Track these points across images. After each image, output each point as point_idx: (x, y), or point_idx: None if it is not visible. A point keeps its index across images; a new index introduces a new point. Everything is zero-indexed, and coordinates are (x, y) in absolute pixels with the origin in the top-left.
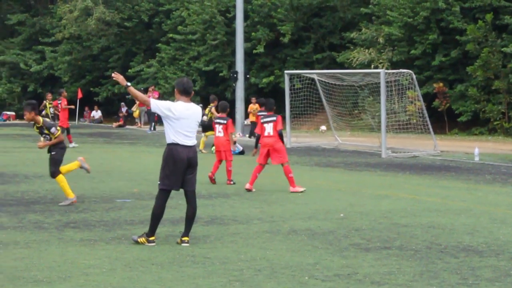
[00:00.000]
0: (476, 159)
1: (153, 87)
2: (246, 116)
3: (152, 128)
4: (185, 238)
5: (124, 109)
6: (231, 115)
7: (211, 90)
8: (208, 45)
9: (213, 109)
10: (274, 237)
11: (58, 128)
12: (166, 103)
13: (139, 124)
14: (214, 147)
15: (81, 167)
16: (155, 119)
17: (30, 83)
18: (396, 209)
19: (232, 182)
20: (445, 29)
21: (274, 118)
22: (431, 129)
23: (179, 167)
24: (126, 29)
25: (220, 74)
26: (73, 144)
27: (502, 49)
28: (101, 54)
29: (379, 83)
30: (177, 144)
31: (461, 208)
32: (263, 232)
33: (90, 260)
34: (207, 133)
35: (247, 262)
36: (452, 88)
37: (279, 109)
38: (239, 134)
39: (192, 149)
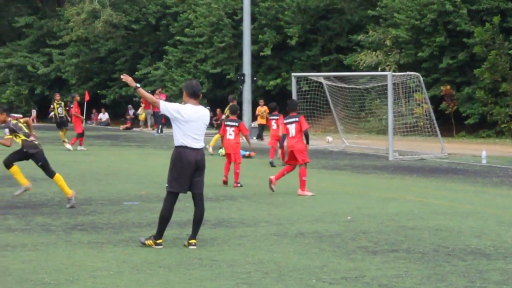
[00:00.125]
0: (484, 161)
1: (160, 89)
2: (254, 118)
3: (159, 131)
4: (193, 241)
5: (131, 112)
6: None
7: (218, 92)
8: (215, 47)
9: None
10: (281, 240)
11: (9, 136)
12: (176, 106)
13: (142, 127)
14: (222, 150)
15: (26, 188)
16: (163, 122)
17: (37, 86)
18: (403, 212)
19: (239, 185)
20: (452, 31)
21: (297, 119)
22: (438, 132)
23: (187, 169)
24: (133, 32)
25: (227, 77)
26: (81, 148)
27: (510, 52)
28: (109, 57)
29: (386, 85)
30: (186, 147)
31: (469, 211)
32: (271, 235)
33: (98, 263)
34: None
35: (255, 265)
36: (459, 90)
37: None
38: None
39: (200, 152)
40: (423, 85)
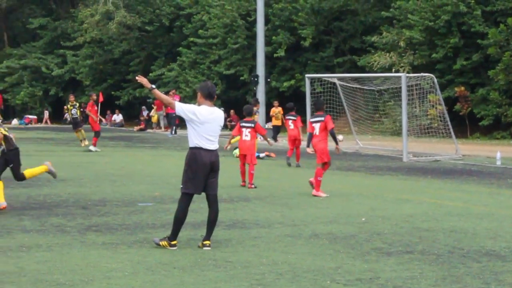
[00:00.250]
0: (498, 163)
1: (174, 90)
2: (268, 119)
3: (173, 132)
4: (207, 242)
5: (145, 113)
6: None
7: (232, 93)
8: (229, 48)
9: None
10: (295, 241)
11: None
12: (191, 107)
13: (156, 128)
14: (236, 151)
15: (49, 171)
16: (176, 123)
17: (51, 87)
18: (417, 214)
19: (253, 186)
20: (466, 32)
21: (322, 119)
22: (452, 133)
23: (202, 171)
24: (147, 33)
25: (241, 78)
26: (95, 148)
27: None
28: (122, 58)
29: (400, 87)
30: (200, 148)
31: (483, 212)
32: (285, 236)
33: (112, 264)
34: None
35: (269, 266)
36: (473, 92)
37: (300, 113)
38: (260, 139)
39: (214, 153)
40: (437, 87)
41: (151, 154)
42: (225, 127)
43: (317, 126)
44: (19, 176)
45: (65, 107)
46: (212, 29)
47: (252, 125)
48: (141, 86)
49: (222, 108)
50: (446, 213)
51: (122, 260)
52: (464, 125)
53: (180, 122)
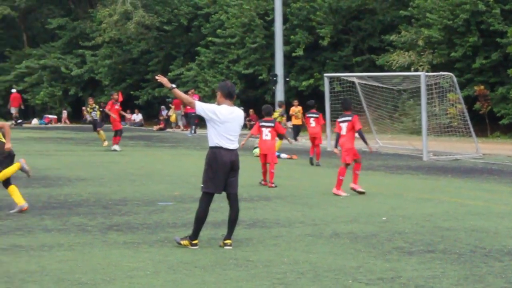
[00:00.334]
0: None
1: (193, 90)
2: (287, 119)
3: (192, 131)
4: (228, 241)
5: (164, 112)
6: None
7: (251, 93)
8: (247, 48)
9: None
10: (316, 240)
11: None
12: (211, 106)
13: (175, 128)
14: (256, 150)
15: (21, 169)
16: (196, 122)
17: (71, 87)
18: (438, 213)
19: (274, 185)
20: (485, 31)
21: (350, 118)
22: (472, 132)
23: (222, 170)
24: (165, 33)
25: (260, 77)
26: (116, 148)
27: None
28: (141, 58)
29: (419, 86)
30: (221, 148)
31: (505, 211)
32: (306, 235)
33: (134, 263)
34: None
35: (290, 265)
36: (493, 90)
37: (319, 112)
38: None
39: (234, 152)
40: (457, 85)
41: (171, 153)
42: (244, 126)
43: (344, 126)
44: None
45: (84, 109)
46: (230, 29)
47: (272, 124)
48: (160, 85)
49: (242, 108)
50: (467, 212)
51: (144, 259)
52: (484, 124)
53: (199, 122)
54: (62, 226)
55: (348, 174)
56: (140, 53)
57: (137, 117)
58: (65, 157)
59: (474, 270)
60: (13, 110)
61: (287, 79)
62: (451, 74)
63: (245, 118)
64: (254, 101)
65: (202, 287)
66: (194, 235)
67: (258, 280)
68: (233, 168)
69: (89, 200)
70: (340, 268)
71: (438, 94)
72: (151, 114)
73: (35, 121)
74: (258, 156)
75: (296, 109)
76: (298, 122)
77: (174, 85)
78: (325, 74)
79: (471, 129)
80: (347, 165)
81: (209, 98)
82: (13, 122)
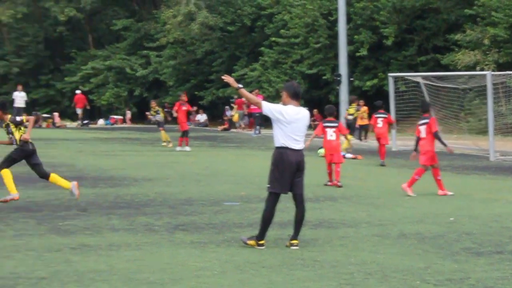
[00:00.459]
0: None
1: (257, 90)
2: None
3: (257, 132)
4: (294, 241)
5: (228, 113)
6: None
7: (315, 93)
8: (311, 48)
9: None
10: (383, 241)
11: (24, 117)
12: (278, 107)
13: (240, 128)
14: (321, 151)
15: (71, 191)
16: (260, 122)
17: (136, 88)
18: (506, 213)
19: (339, 184)
20: None
21: (427, 121)
22: None
23: (288, 170)
24: (229, 33)
25: (324, 77)
26: (183, 148)
27: None
28: (205, 58)
29: (485, 85)
30: (287, 148)
31: None
32: (372, 236)
33: (201, 263)
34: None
35: (357, 265)
36: None
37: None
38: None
39: (300, 152)
40: None
41: (235, 153)
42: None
43: (423, 129)
44: (42, 173)
45: (148, 114)
46: (294, 29)
47: (336, 124)
48: (225, 86)
49: (306, 108)
50: None
51: (210, 259)
52: None
53: (264, 122)
54: (129, 226)
55: (426, 179)
56: (204, 54)
57: (202, 117)
58: (131, 157)
59: None
60: (78, 111)
61: (351, 79)
62: None
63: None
64: (318, 101)
65: (269, 287)
66: (261, 235)
67: (325, 281)
68: (299, 168)
69: (156, 200)
70: (408, 268)
71: (505, 94)
72: (215, 115)
73: (101, 122)
74: (323, 157)
75: (362, 109)
76: (364, 122)
77: (241, 85)
78: (390, 74)
79: None
80: (425, 167)
81: (273, 98)
82: (79, 122)
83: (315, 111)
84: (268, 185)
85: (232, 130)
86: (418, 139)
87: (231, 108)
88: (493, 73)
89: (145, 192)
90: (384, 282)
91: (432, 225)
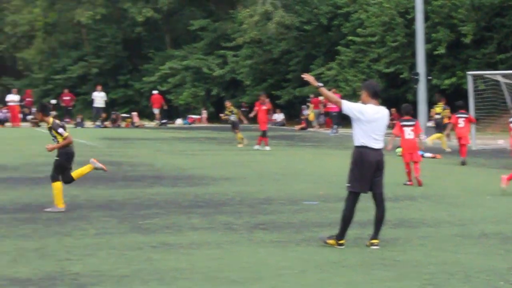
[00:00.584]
0: None
1: (334, 90)
2: (429, 118)
3: (335, 131)
4: (374, 241)
5: (305, 112)
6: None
7: (392, 92)
8: (388, 47)
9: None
10: (464, 241)
11: (67, 131)
12: (358, 106)
13: (317, 127)
14: (399, 150)
15: (96, 168)
16: (337, 122)
17: (213, 87)
18: None
19: (420, 180)
20: None
21: None
22: None
23: (368, 169)
24: (305, 32)
25: (401, 76)
26: (262, 147)
27: None
28: (282, 58)
29: None
30: (366, 147)
31: None
32: (453, 236)
33: (281, 262)
34: (438, 134)
35: (439, 265)
36: None
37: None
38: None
39: (380, 152)
40: None
41: (313, 152)
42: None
43: None
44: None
45: (223, 115)
46: (371, 28)
47: (413, 123)
48: (302, 85)
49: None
50: None
51: (291, 258)
52: None
53: (341, 121)
54: (209, 225)
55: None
56: (280, 53)
57: (279, 116)
58: (209, 156)
59: None
60: (155, 111)
61: (429, 77)
62: None
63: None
64: (395, 100)
65: (349, 287)
66: (341, 235)
67: (407, 281)
68: (378, 167)
69: (234, 199)
70: (490, 269)
71: None
72: (292, 114)
73: (179, 121)
74: (401, 156)
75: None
76: (444, 121)
77: (321, 84)
78: (468, 72)
79: None
80: None
81: (350, 97)
82: (158, 122)
83: (392, 110)
84: (348, 184)
85: (309, 129)
86: None
87: (308, 107)
88: None
89: (224, 191)
90: (466, 282)
91: None
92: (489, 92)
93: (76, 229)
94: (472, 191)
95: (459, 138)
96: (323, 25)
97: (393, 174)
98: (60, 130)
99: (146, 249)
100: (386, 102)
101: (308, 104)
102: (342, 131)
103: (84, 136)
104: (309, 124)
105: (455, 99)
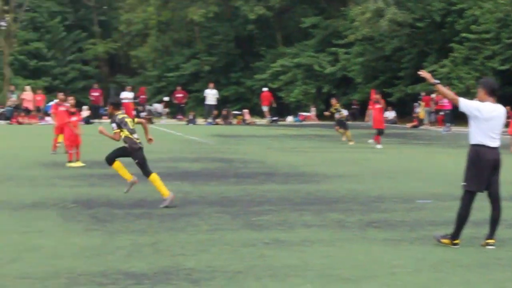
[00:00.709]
0: None
1: (447, 87)
2: None
3: (447, 129)
4: (490, 241)
5: (417, 110)
6: None
7: (507, 89)
8: (503, 43)
9: None
10: None
11: (123, 131)
12: (475, 103)
13: (428, 125)
14: None
15: (132, 182)
16: (450, 119)
17: (324, 85)
18: None
19: None
20: None
21: None
22: None
23: (484, 168)
24: (418, 29)
25: None
26: (378, 145)
27: None
28: (394, 55)
29: None
30: (483, 146)
31: None
32: None
33: (395, 260)
34: None
35: None
36: None
37: None
38: None
39: (496, 150)
40: None
41: (425, 151)
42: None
43: None
44: (147, 173)
45: (326, 113)
46: (485, 24)
47: None
48: (414, 82)
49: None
50: None
51: (404, 256)
52: None
53: (454, 119)
54: (321, 222)
55: None
56: (392, 50)
57: (390, 114)
58: (320, 154)
59: None
60: (265, 108)
61: None
62: None
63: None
64: (511, 98)
65: (466, 287)
66: (456, 234)
67: None
68: (495, 166)
69: (346, 196)
70: None
71: None
72: (404, 112)
73: (289, 119)
74: None
75: None
76: None
77: (437, 81)
78: None
79: None
80: None
81: (463, 95)
82: (268, 119)
83: (507, 107)
84: (464, 183)
85: (421, 127)
86: None
87: (419, 105)
88: None
89: (335, 188)
90: None
91: None
92: None
93: (189, 225)
94: None
95: None
96: (436, 22)
97: (509, 173)
98: (113, 125)
99: (259, 246)
100: (501, 100)
101: (419, 102)
102: (454, 129)
103: (196, 133)
104: (421, 122)
105: None
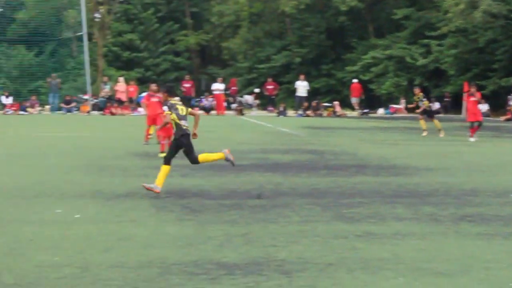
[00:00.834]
0: None
1: None
2: None
3: None
4: None
5: (511, 103)
6: None
7: None
8: None
9: None
10: None
11: (172, 114)
12: None
13: None
14: None
15: (226, 159)
16: None
17: (416, 77)
18: None
19: None
20: None
21: None
22: None
23: None
24: None
25: None
26: (471, 139)
27: None
28: (488, 47)
29: None
30: None
31: None
32: None
33: (488, 255)
34: None
35: None
36: None
37: None
38: None
39: None
40: None
41: None
42: None
43: None
44: (193, 160)
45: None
46: None
47: None
48: (508, 75)
49: None
50: None
51: (498, 251)
52: None
53: None
54: (414, 215)
55: None
56: (486, 42)
57: (483, 107)
58: (411, 146)
59: None
60: (354, 100)
61: None
62: None
63: None
64: None
65: None
66: None
67: None
68: None
69: (439, 190)
70: None
71: None
72: (497, 104)
73: (380, 111)
74: None
75: None
76: None
77: None
78: None
79: None
80: None
81: None
82: (359, 111)
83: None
84: None
85: None
86: None
87: None
88: None
89: (427, 181)
90: None
91: None
92: None
93: (280, 216)
94: None
95: None
96: None
97: None
98: (164, 107)
99: (350, 238)
100: None
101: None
102: None
103: (287, 124)
104: None
105: None
